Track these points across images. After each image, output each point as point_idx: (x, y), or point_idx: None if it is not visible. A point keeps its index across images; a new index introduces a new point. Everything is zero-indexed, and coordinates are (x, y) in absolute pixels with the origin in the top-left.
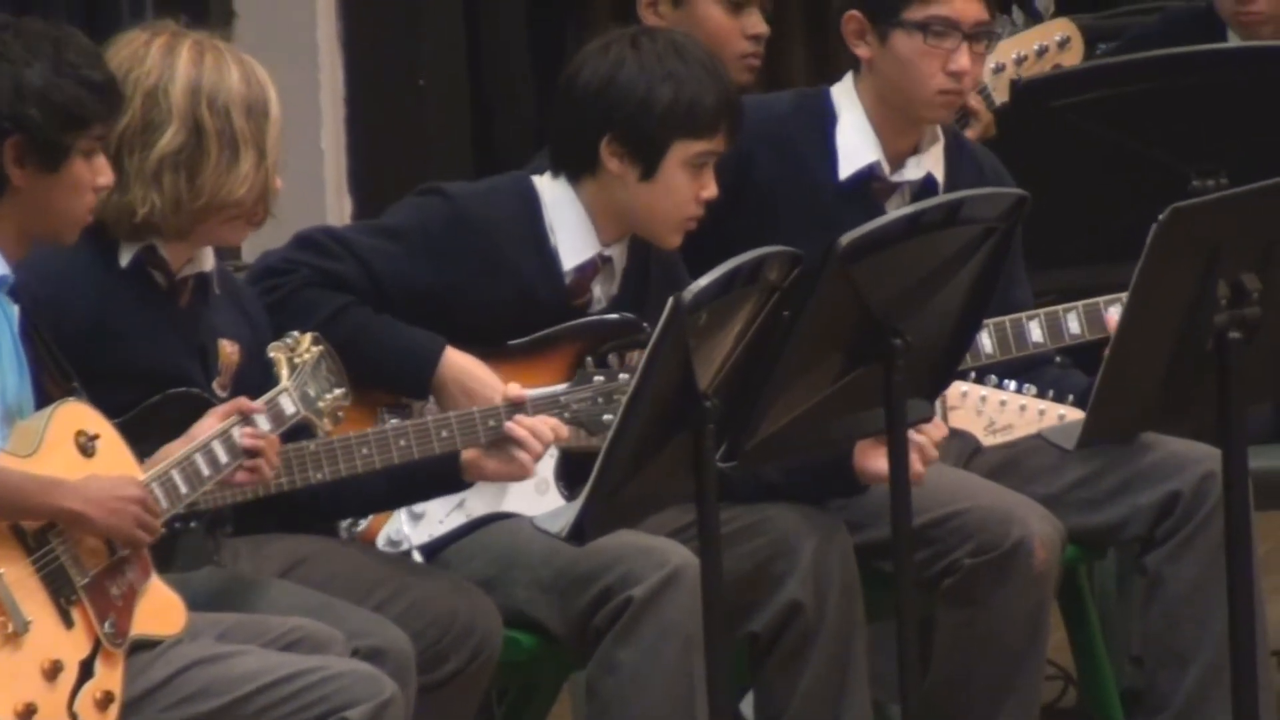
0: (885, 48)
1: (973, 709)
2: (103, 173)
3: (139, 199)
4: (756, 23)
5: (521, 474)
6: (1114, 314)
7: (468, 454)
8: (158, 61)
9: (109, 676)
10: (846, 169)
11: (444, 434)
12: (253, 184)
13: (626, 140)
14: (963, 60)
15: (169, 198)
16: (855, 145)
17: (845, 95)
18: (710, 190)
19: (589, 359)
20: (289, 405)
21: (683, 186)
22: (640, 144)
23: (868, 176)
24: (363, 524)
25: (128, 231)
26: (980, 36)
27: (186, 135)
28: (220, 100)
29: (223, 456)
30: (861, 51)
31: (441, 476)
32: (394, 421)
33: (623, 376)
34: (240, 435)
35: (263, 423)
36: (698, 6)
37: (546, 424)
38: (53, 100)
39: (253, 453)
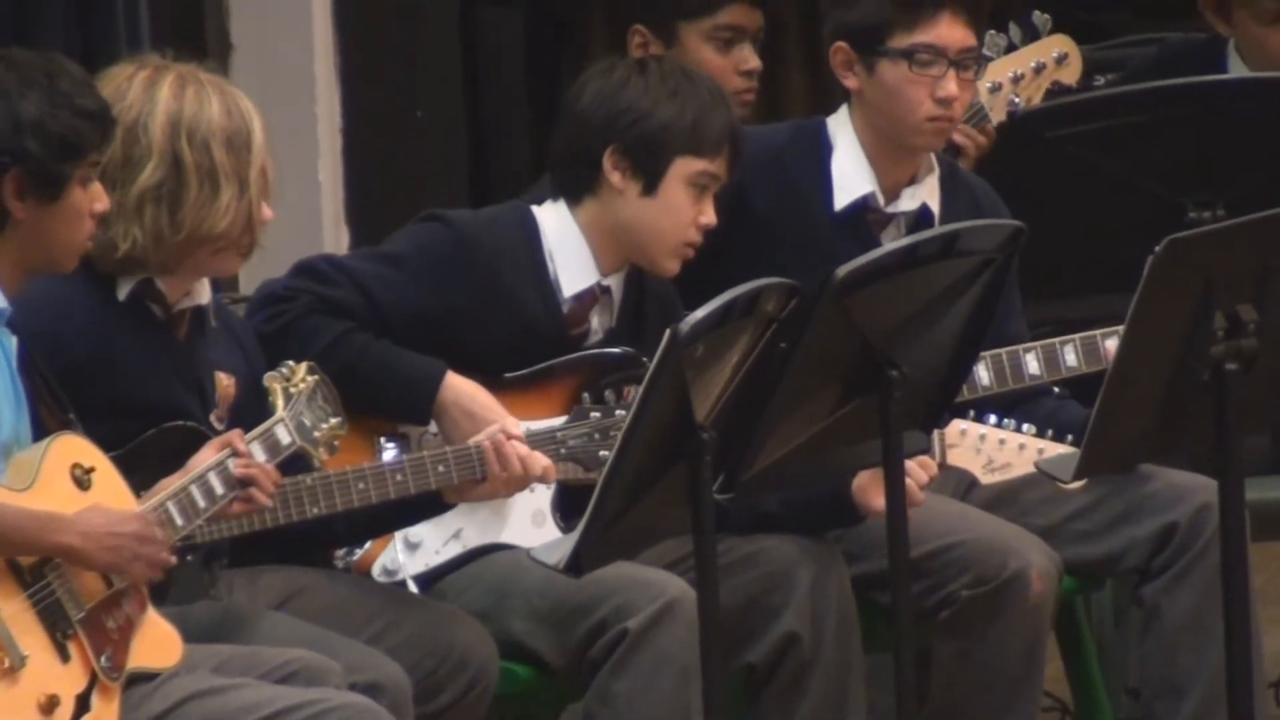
0: (873, 78)
1: None
2: (99, 198)
3: (121, 234)
4: (748, 58)
5: (489, 494)
6: (1111, 346)
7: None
8: (139, 96)
9: (105, 710)
10: (842, 200)
11: (440, 469)
12: (235, 216)
13: (630, 152)
14: (950, 87)
15: (150, 232)
16: (850, 176)
17: (841, 126)
18: (709, 218)
19: (585, 395)
20: (285, 435)
21: (683, 206)
22: (643, 156)
23: (863, 208)
24: (358, 553)
25: (113, 266)
26: (967, 63)
27: (166, 170)
28: (200, 134)
29: (218, 488)
30: (850, 83)
31: (422, 502)
32: (390, 453)
33: (619, 413)
34: (234, 466)
35: (259, 453)
36: (688, 46)
37: (539, 461)
38: (49, 131)
39: (247, 482)
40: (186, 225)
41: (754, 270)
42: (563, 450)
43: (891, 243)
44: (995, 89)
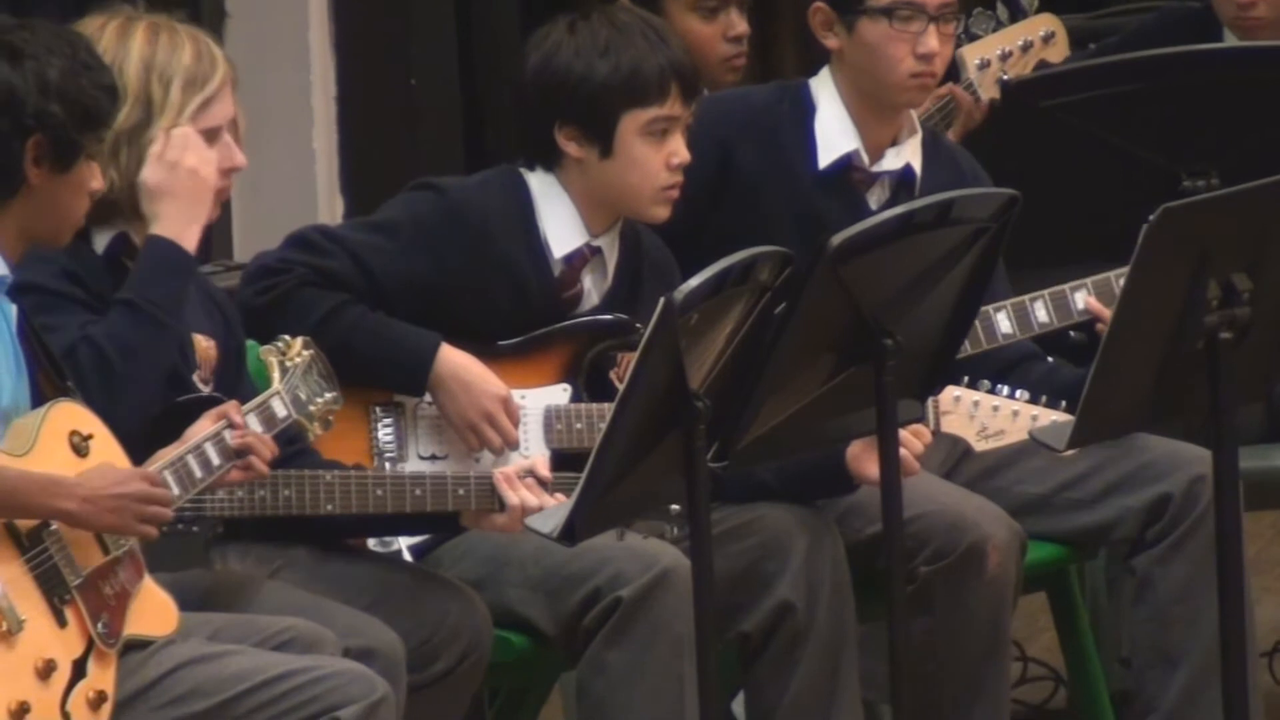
0: (853, 37)
1: (942, 714)
2: (96, 176)
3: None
4: (735, 23)
5: (504, 527)
6: (1081, 299)
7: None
8: (112, 43)
9: (102, 676)
10: (826, 157)
11: (460, 492)
12: None
13: (577, 122)
14: (931, 42)
15: (124, 174)
16: (834, 134)
17: (823, 86)
18: (681, 155)
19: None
20: (280, 408)
21: (647, 157)
22: (590, 123)
23: (847, 166)
24: None
25: (92, 214)
26: (947, 17)
27: (140, 111)
28: (167, 74)
29: (215, 459)
30: (831, 43)
31: (438, 518)
32: (388, 430)
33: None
34: (231, 437)
35: (255, 424)
36: (673, 17)
37: (550, 502)
38: (73, 98)
39: (244, 452)
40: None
41: (740, 230)
42: None
43: (879, 204)
44: (983, 66)
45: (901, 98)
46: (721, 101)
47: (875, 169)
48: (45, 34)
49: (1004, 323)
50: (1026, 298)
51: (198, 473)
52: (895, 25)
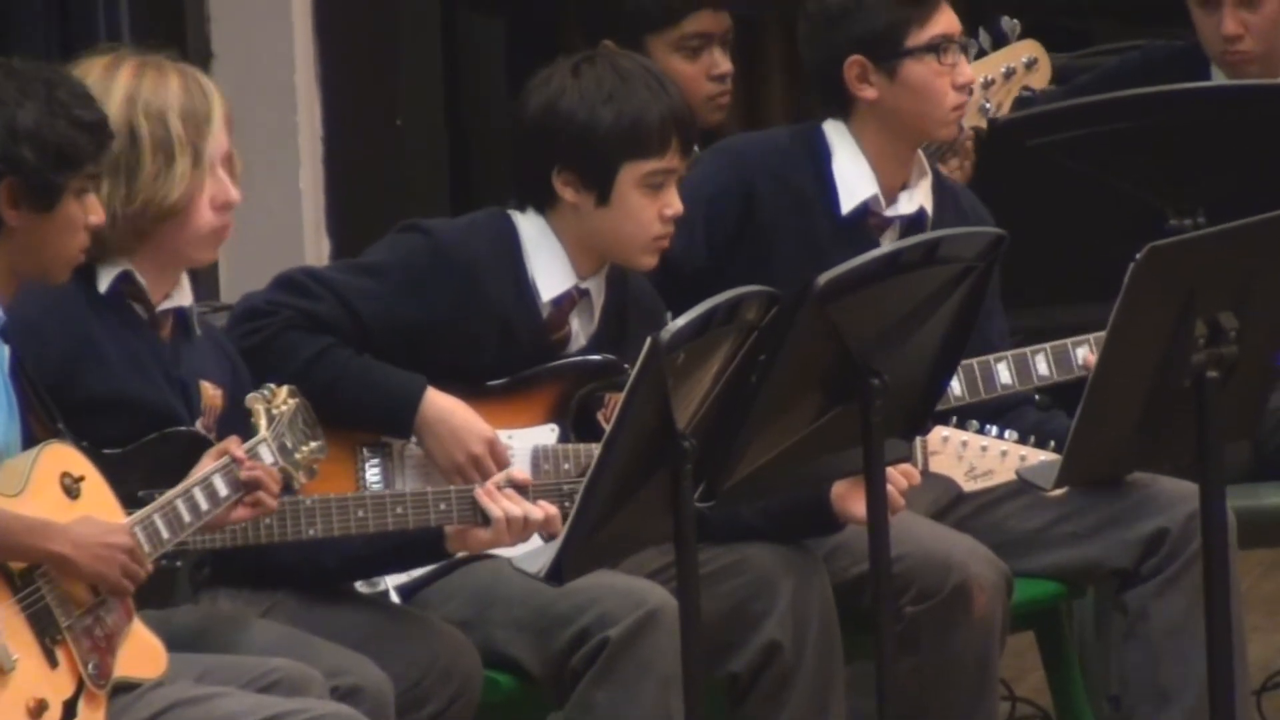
0: (895, 82)
1: None
2: (94, 210)
3: None
4: (718, 62)
5: (491, 543)
6: (1083, 354)
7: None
8: (98, 79)
9: (92, 717)
10: (848, 203)
11: (442, 506)
12: (189, 186)
13: (575, 169)
14: (966, 71)
15: (104, 205)
16: (854, 179)
17: (838, 133)
18: (674, 207)
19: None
20: (267, 456)
21: (642, 208)
22: (589, 171)
23: (864, 211)
24: None
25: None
26: (965, 45)
27: (123, 144)
28: (155, 107)
29: (223, 489)
30: (867, 93)
31: (424, 544)
32: (375, 470)
33: None
34: (240, 470)
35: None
36: (656, 57)
37: (546, 509)
38: (46, 140)
39: (253, 485)
40: (141, 196)
41: (759, 273)
42: (567, 503)
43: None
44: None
45: (943, 132)
46: (739, 149)
47: (889, 213)
48: (20, 75)
49: (1004, 373)
50: (1028, 350)
51: (204, 505)
52: (942, 60)
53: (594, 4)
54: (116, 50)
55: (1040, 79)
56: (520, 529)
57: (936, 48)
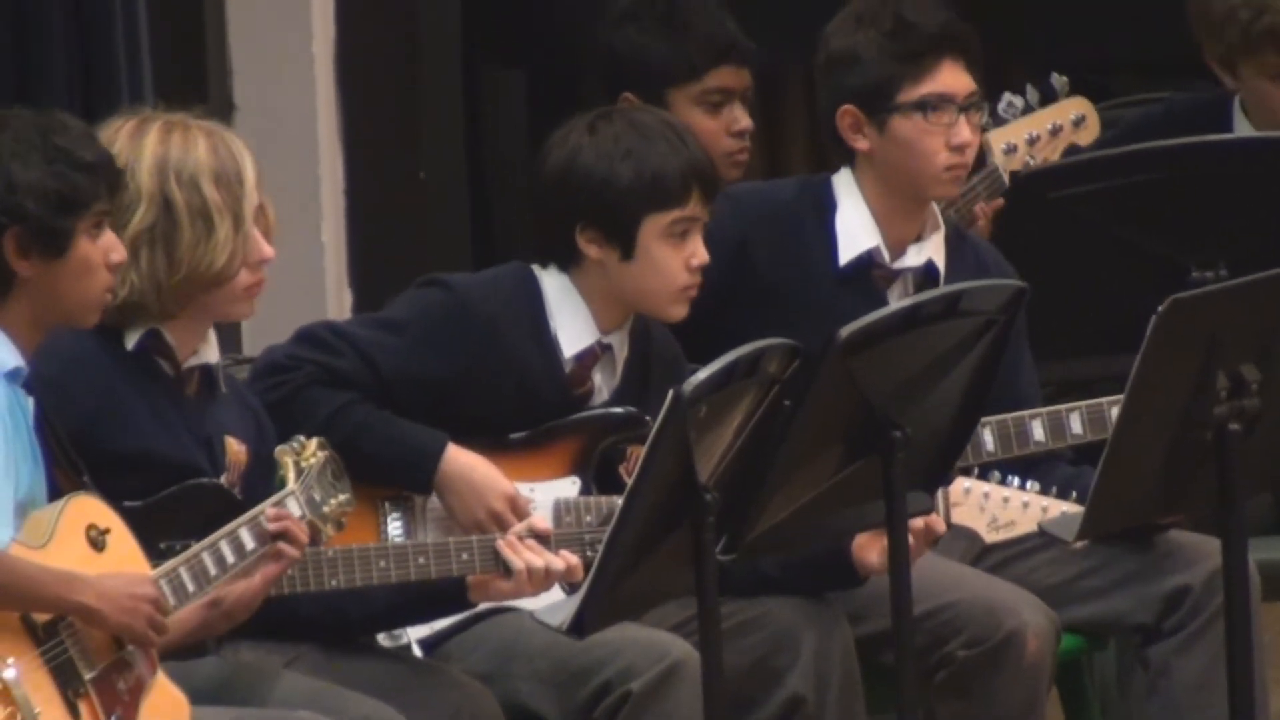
0: (885, 135)
1: None
2: (114, 248)
3: (119, 281)
4: (739, 118)
5: (513, 594)
6: (1116, 414)
7: (476, 576)
8: (125, 145)
9: None
10: (846, 254)
11: (464, 556)
12: (233, 250)
13: (598, 226)
14: (964, 132)
15: (147, 276)
16: (855, 231)
17: (844, 185)
18: (700, 256)
19: (597, 497)
20: (296, 509)
21: (667, 259)
22: (612, 227)
23: (868, 263)
24: None
25: (116, 316)
26: (976, 105)
27: (157, 212)
28: (188, 172)
29: (249, 542)
30: (860, 144)
31: (446, 595)
32: (397, 524)
33: None
34: (266, 520)
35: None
36: (678, 111)
37: (568, 559)
38: (46, 188)
39: (279, 536)
40: (184, 265)
41: (758, 326)
42: (589, 552)
43: (896, 301)
44: (1010, 151)
45: (937, 190)
46: (739, 197)
47: (896, 266)
48: (16, 124)
49: (1038, 430)
50: (1063, 408)
51: (230, 558)
52: (929, 118)
53: (616, 58)
54: (141, 113)
55: (1088, 135)
56: (542, 580)
57: (925, 105)
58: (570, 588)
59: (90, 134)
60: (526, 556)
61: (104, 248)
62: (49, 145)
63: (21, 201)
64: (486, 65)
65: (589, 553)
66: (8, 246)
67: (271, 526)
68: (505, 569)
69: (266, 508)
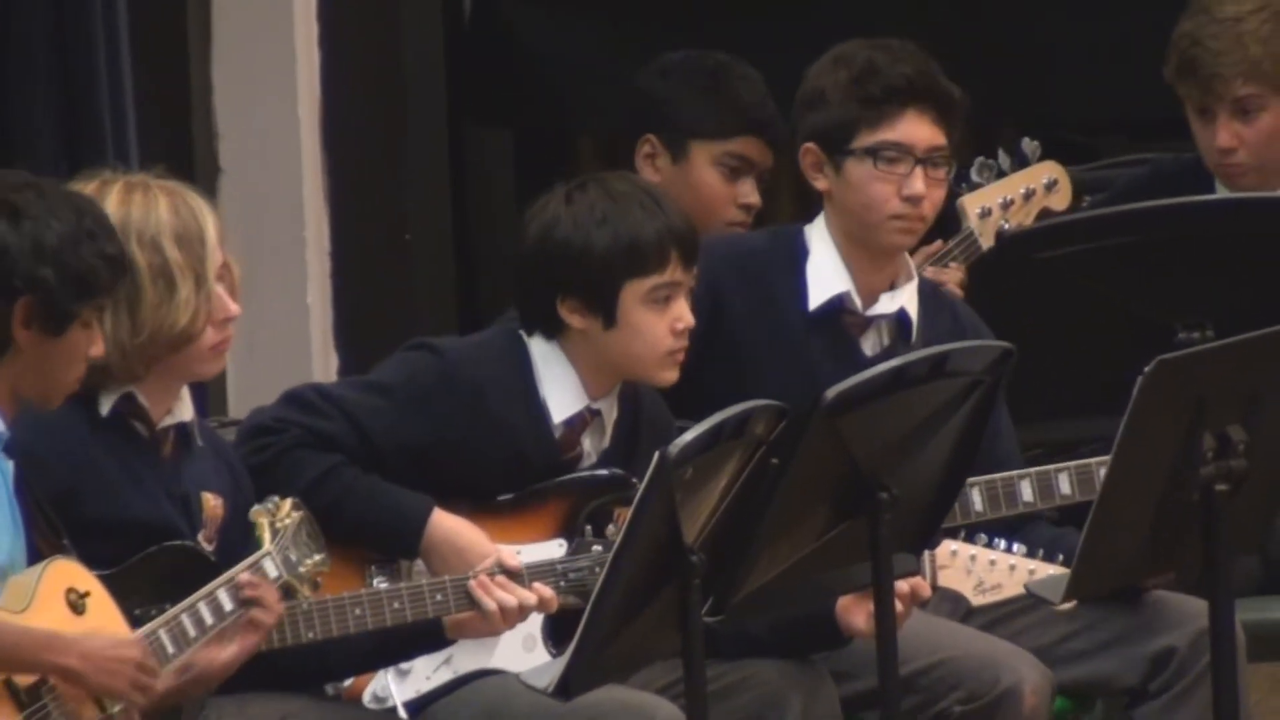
0: (840, 177)
1: None
2: (96, 343)
3: None
4: (749, 192)
5: (490, 631)
6: (1104, 474)
7: (453, 615)
8: None
9: None
10: (816, 298)
11: (438, 597)
12: (196, 309)
13: (578, 295)
14: (916, 185)
15: (111, 339)
16: (825, 276)
17: (817, 231)
18: (685, 320)
19: (588, 527)
20: (272, 569)
21: (651, 324)
22: (592, 296)
23: (839, 308)
24: (348, 681)
25: (88, 381)
26: (936, 161)
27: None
28: (148, 234)
29: (227, 604)
30: (820, 184)
31: (424, 635)
32: (384, 585)
33: None
34: (241, 584)
35: None
36: (695, 165)
37: (541, 592)
38: (69, 264)
39: (253, 601)
40: (148, 327)
41: (730, 373)
42: (562, 583)
43: (874, 349)
44: (985, 214)
45: (885, 239)
46: (713, 247)
47: (869, 312)
48: (53, 197)
49: (1026, 491)
50: (1052, 468)
51: (191, 631)
52: (880, 166)
53: (648, 98)
54: (100, 175)
55: (1060, 200)
56: (516, 616)
57: (876, 152)
58: (552, 641)
59: (112, 228)
60: (498, 596)
61: (90, 339)
62: (80, 225)
63: (45, 270)
64: (473, 124)
65: (562, 583)
66: (16, 313)
67: (244, 594)
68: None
69: (240, 572)
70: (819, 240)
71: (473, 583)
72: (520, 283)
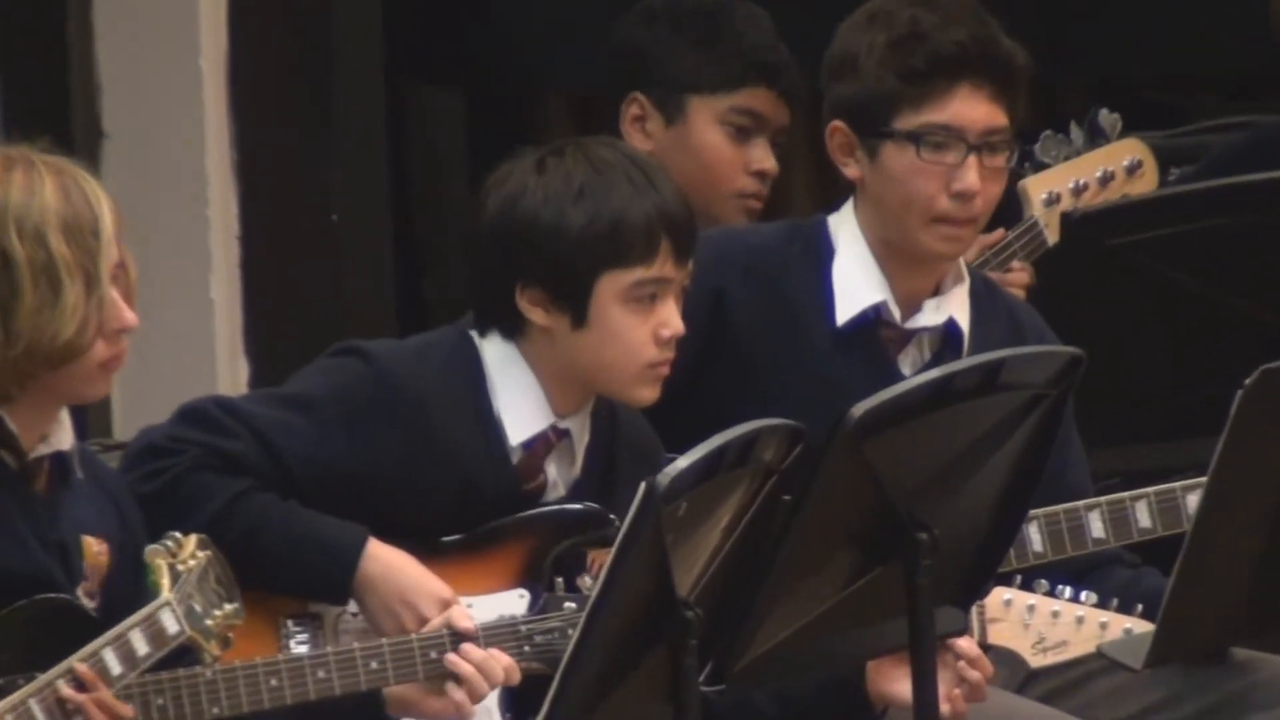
0: (875, 165)
1: None
2: None
3: None
4: (764, 156)
5: (458, 715)
6: (1194, 502)
7: (394, 688)
8: None
9: None
10: (845, 311)
11: (373, 665)
12: (84, 318)
13: (543, 284)
14: (969, 177)
15: None
16: (856, 284)
17: (844, 225)
18: (672, 327)
19: (559, 580)
20: (171, 623)
21: (630, 328)
22: (560, 286)
23: (874, 321)
24: None
25: None
26: (996, 146)
27: None
28: (31, 222)
29: (39, 717)
30: (851, 171)
31: (359, 711)
32: (300, 640)
33: None
34: (64, 688)
35: (140, 644)
36: (694, 128)
37: (500, 661)
38: None
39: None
40: (24, 337)
41: (738, 400)
42: (526, 648)
43: (914, 368)
44: (1052, 201)
45: (925, 246)
46: (716, 242)
47: (909, 325)
48: None
49: (1096, 525)
50: (1127, 495)
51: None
52: (924, 154)
53: (633, 51)
54: None
55: (1145, 186)
56: (477, 688)
57: (920, 137)
58: (511, 713)
59: None
60: (476, 658)
61: None
62: None
63: None
64: (416, 83)
65: (526, 648)
66: None
67: (69, 703)
68: (427, 677)
69: (74, 663)
70: (847, 237)
71: (450, 656)
72: (474, 268)
